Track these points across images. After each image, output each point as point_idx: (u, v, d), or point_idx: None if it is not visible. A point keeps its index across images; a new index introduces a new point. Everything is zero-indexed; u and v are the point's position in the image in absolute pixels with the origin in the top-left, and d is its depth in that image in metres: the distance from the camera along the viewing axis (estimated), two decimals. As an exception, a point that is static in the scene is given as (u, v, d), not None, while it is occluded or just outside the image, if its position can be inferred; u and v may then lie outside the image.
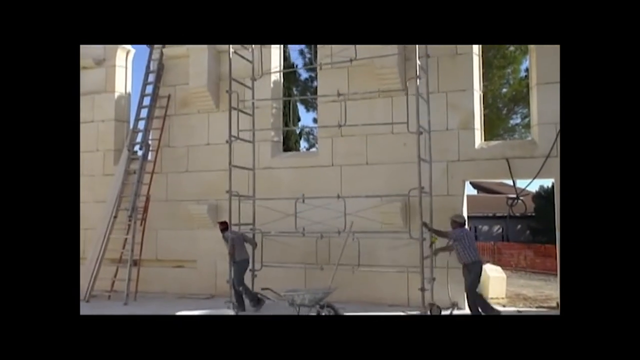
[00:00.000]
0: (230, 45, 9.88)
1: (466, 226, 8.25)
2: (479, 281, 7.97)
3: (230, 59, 9.89)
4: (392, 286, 9.27)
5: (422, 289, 8.11)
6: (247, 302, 9.09)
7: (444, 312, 8.27)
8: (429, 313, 8.13)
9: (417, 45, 8.63)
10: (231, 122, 9.48)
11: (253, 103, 10.23)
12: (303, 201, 9.34)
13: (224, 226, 9.39)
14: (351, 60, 9.15)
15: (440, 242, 8.33)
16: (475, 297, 7.84)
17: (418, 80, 8.38)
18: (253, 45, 10.23)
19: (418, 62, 8.58)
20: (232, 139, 9.52)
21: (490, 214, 28.68)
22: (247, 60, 10.27)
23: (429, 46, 9.27)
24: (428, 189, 9.14)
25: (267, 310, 8.86)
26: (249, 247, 9.41)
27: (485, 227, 30.16)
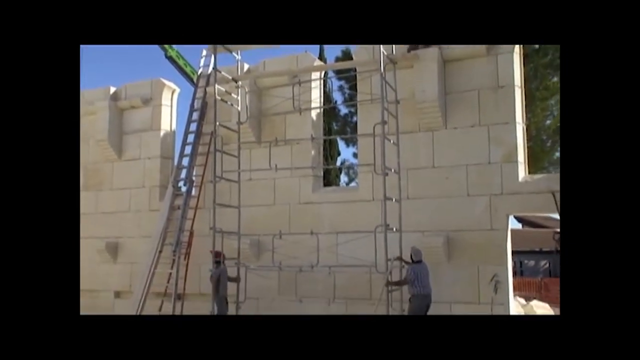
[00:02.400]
0: (216, 92, 10.32)
1: (423, 261, 8.53)
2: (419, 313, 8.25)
3: (215, 105, 10.61)
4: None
5: None
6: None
7: None
8: None
9: (385, 91, 8.82)
10: (215, 164, 10.11)
11: (238, 145, 10.59)
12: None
13: (220, 258, 9.78)
14: (397, 102, 9.24)
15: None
16: None
17: (386, 126, 8.68)
18: (247, 89, 10.54)
19: (386, 106, 8.77)
20: (217, 179, 10.00)
21: (537, 249, 27.87)
22: (231, 105, 10.77)
23: (469, 79, 9.30)
24: (469, 225, 9.07)
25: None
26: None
27: (531, 262, 29.28)
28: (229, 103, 10.75)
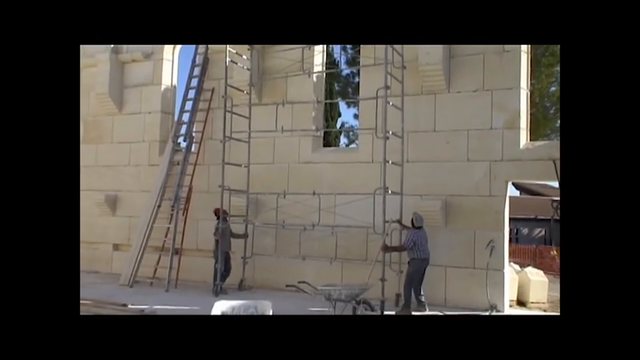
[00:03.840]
0: (228, 51, 10.35)
1: (423, 228, 8.75)
2: (416, 277, 8.62)
3: (226, 66, 10.52)
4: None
5: (382, 280, 8.31)
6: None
7: (485, 313, 8.30)
8: (396, 304, 8.85)
9: (387, 51, 8.76)
10: (225, 124, 10.17)
11: (249, 106, 10.66)
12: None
13: (224, 215, 10.02)
14: (403, 64, 9.13)
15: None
16: (406, 291, 8.64)
17: (388, 90, 8.70)
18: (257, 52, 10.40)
19: (389, 71, 8.75)
20: (227, 139, 10.10)
21: (533, 216, 28.04)
22: (246, 68, 10.75)
23: (473, 45, 9.17)
24: (467, 190, 9.11)
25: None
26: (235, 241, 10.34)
27: (526, 230, 29.53)
28: (232, 61, 10.62)
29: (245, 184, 10.60)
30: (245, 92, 10.83)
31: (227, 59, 10.32)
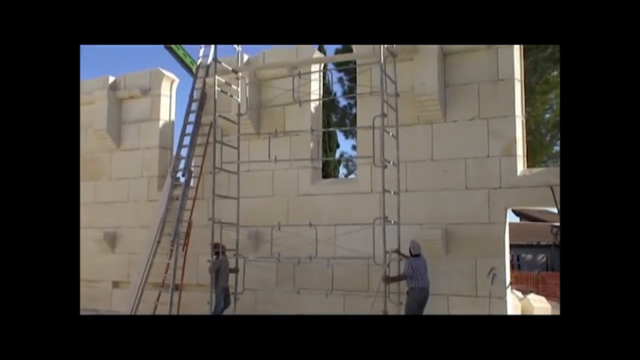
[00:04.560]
0: (216, 83, 10.34)
1: (421, 255, 8.63)
2: (415, 307, 8.36)
3: (215, 96, 10.56)
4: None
5: (385, 312, 8.26)
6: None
7: None
8: None
9: (385, 83, 8.83)
10: (215, 155, 10.12)
11: (238, 137, 10.58)
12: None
13: (219, 249, 9.89)
14: (397, 95, 9.23)
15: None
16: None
17: (385, 119, 8.69)
18: (247, 80, 10.40)
19: (385, 98, 8.79)
20: (217, 170, 10.00)
21: (534, 243, 27.92)
22: (231, 96, 10.75)
23: (469, 72, 9.30)
24: (467, 218, 9.09)
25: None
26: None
27: (529, 256, 29.34)
28: (228, 94, 10.72)
29: (243, 217, 10.56)
30: (235, 122, 10.80)
31: (217, 88, 10.33)
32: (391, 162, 8.94)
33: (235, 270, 10.24)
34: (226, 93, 10.71)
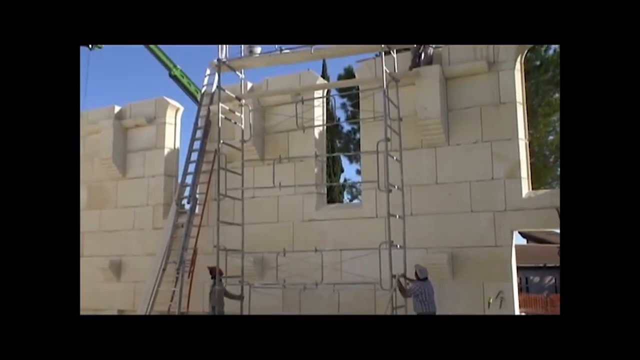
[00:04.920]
0: (220, 110, 10.31)
1: (428, 279, 8.46)
2: None
3: (219, 123, 10.52)
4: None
5: None
6: None
7: None
8: None
9: (388, 108, 8.84)
10: (219, 181, 9.95)
11: (242, 163, 10.49)
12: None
13: (219, 274, 9.67)
14: (400, 119, 9.30)
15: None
16: None
17: (389, 143, 8.72)
18: (250, 107, 10.47)
19: (388, 123, 8.80)
20: (221, 197, 9.86)
21: (542, 264, 27.72)
22: (234, 122, 10.68)
23: (471, 95, 9.38)
24: (473, 241, 9.06)
25: None
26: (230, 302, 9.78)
27: (537, 279, 29.09)
28: (232, 121, 10.80)
29: (248, 243, 10.54)
30: (239, 149, 10.82)
31: (221, 115, 10.36)
32: (396, 187, 8.95)
33: (240, 298, 10.15)
34: (230, 120, 10.78)
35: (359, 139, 11.38)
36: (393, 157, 9.02)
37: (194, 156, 11.96)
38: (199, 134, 12.09)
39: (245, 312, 10.09)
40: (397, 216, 8.90)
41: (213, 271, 9.88)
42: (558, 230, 9.42)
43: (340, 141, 21.26)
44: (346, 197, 22.17)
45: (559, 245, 10.19)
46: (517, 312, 8.95)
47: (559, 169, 18.68)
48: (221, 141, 10.32)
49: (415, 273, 8.60)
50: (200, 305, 11.23)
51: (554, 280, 28.78)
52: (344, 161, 21.89)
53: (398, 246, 8.75)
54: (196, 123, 12.25)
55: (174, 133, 12.96)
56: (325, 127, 11.74)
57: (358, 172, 19.63)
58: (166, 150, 12.67)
